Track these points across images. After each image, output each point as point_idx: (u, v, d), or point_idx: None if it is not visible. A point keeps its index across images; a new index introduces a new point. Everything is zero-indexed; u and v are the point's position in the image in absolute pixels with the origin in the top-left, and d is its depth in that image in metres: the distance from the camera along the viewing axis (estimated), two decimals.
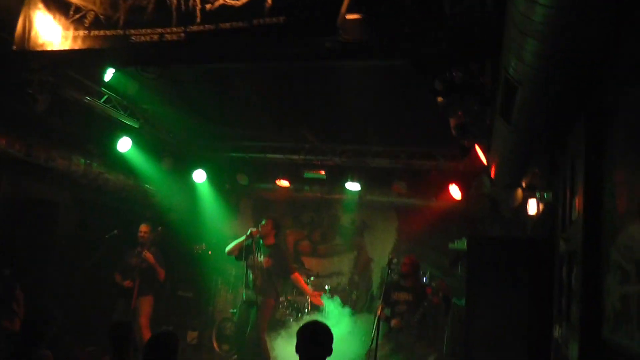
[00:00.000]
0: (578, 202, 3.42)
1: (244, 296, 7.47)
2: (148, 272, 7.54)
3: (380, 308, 6.32)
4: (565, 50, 2.68)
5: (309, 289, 8.22)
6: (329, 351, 3.34)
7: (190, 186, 9.84)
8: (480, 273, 5.36)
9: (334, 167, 9.47)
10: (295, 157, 9.38)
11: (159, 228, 7.86)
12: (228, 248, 7.51)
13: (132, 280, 7.47)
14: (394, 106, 7.14)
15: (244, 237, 7.40)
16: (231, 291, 9.63)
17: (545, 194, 5.11)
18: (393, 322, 7.08)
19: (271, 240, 7.59)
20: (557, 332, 4.10)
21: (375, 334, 6.06)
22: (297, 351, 3.33)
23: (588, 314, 2.96)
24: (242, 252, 7.38)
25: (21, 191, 7.17)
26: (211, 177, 9.84)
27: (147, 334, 7.49)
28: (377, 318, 6.18)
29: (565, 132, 3.90)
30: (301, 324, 3.59)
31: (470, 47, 3.81)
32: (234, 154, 9.76)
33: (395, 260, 7.41)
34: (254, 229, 7.41)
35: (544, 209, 6.08)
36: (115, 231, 7.49)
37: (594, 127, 2.97)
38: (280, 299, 8.31)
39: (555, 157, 4.67)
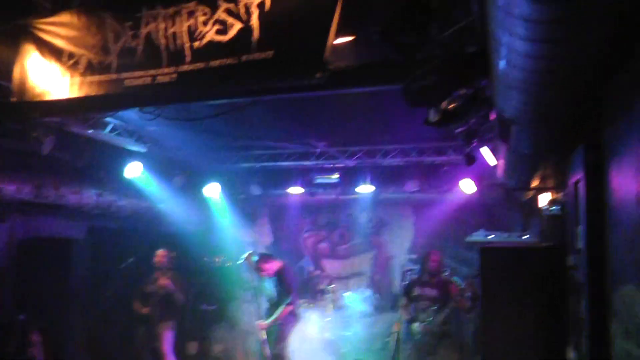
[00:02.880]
0: (581, 232, 3.36)
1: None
2: (167, 297, 7.51)
3: (397, 324, 6.26)
4: (550, 103, 2.61)
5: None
6: None
7: (204, 200, 9.86)
8: (494, 285, 5.28)
9: (345, 169, 9.44)
10: (307, 162, 9.38)
11: (173, 253, 7.82)
12: None
13: (151, 306, 7.47)
14: (402, 104, 7.05)
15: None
16: (253, 302, 9.66)
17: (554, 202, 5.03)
18: (422, 328, 6.97)
19: (271, 274, 7.52)
20: (570, 354, 4.06)
21: (394, 348, 6.04)
22: None
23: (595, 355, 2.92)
24: None
25: (32, 231, 7.19)
26: (224, 189, 9.87)
27: None
28: (396, 333, 6.14)
29: (567, 154, 3.81)
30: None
31: (463, 78, 3.70)
32: (245, 165, 9.77)
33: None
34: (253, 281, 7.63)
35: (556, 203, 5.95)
36: (131, 259, 7.49)
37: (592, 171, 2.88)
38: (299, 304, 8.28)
39: (561, 170, 4.57)
